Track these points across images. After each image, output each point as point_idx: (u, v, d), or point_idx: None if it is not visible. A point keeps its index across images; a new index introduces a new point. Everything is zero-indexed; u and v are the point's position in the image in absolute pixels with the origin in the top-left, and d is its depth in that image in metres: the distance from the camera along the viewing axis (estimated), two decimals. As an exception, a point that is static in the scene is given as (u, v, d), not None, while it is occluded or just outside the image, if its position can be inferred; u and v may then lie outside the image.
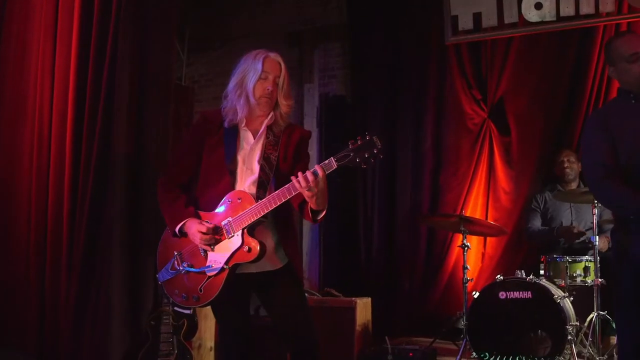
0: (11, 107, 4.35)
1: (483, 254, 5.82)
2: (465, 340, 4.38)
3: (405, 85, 6.21)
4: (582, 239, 4.92)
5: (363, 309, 4.89)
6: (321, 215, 2.82)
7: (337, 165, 2.65)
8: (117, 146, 4.20)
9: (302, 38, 6.79)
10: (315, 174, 2.65)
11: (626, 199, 2.78)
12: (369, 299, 5.06)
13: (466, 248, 4.64)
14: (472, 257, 5.64)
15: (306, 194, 2.67)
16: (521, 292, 4.24)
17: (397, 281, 6.02)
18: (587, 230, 4.93)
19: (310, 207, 2.77)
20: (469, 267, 4.68)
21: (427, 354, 4.48)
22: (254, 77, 2.91)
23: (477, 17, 5.77)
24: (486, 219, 5.67)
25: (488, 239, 5.77)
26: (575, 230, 4.90)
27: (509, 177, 5.82)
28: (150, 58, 4.41)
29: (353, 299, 4.86)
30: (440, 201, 5.98)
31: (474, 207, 5.85)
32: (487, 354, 4.22)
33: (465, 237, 4.66)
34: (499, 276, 4.38)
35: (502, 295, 4.28)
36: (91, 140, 4.16)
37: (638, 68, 2.90)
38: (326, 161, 2.67)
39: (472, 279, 4.74)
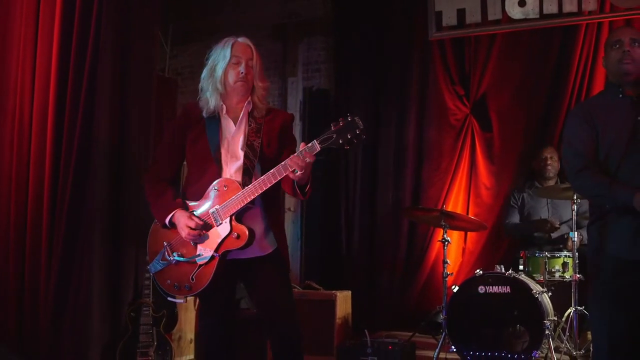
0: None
1: (463, 249, 5.86)
2: (444, 334, 4.41)
3: (389, 80, 6.23)
4: (556, 234, 4.97)
5: (343, 302, 4.91)
6: (308, 188, 2.86)
7: (320, 147, 2.68)
8: (99, 138, 4.17)
9: (286, 31, 6.76)
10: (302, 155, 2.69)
11: (603, 188, 2.79)
12: (349, 292, 5.09)
13: (447, 243, 4.66)
14: (452, 251, 5.68)
15: (292, 176, 2.72)
16: (500, 287, 4.27)
17: (377, 275, 6.05)
18: (562, 223, 4.99)
19: (298, 184, 2.81)
20: (449, 261, 4.71)
21: (406, 347, 4.50)
22: (223, 64, 2.94)
23: (460, 13, 5.81)
24: (467, 214, 5.71)
25: (469, 233, 5.81)
26: (549, 225, 4.94)
27: (490, 172, 5.86)
28: (133, 49, 4.38)
29: (333, 292, 4.89)
30: (422, 196, 6.00)
31: (455, 202, 5.89)
32: (465, 347, 4.26)
33: (446, 232, 4.68)
34: (478, 271, 4.41)
35: (481, 289, 4.31)
36: (72, 132, 4.12)
37: (616, 54, 2.92)
38: (309, 144, 2.69)
39: (452, 274, 4.77)
